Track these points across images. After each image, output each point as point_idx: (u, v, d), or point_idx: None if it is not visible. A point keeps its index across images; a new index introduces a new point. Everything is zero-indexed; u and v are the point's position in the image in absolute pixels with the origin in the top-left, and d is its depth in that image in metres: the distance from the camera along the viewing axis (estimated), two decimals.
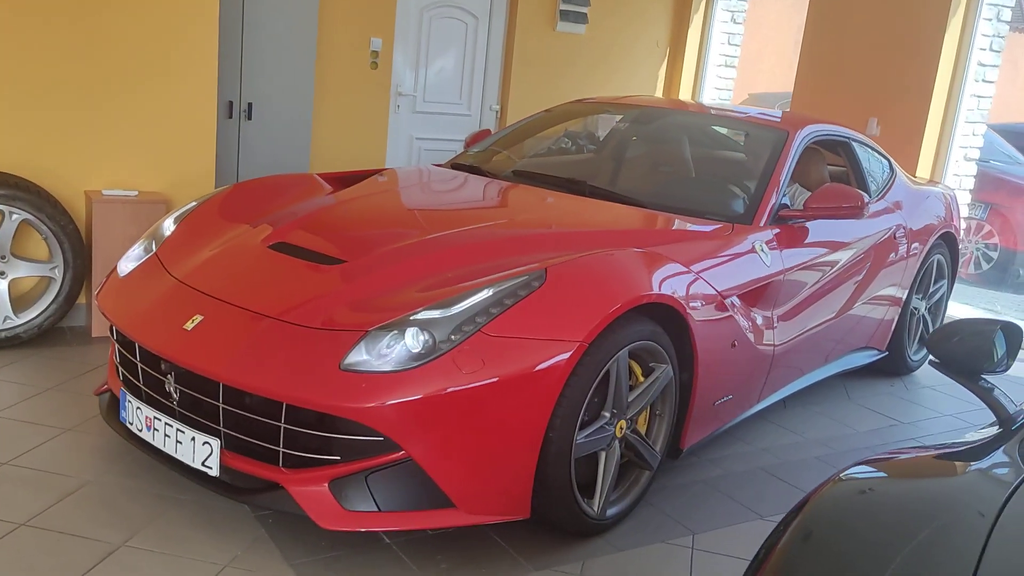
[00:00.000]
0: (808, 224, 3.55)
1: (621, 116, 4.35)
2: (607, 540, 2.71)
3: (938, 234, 4.49)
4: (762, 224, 3.37)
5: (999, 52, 5.68)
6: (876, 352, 4.31)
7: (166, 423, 2.55)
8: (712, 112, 4.58)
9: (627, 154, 4.11)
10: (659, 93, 7.36)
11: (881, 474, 1.55)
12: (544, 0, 6.44)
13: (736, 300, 3.09)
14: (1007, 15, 5.64)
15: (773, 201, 3.45)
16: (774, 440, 3.63)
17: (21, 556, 2.36)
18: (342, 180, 3.71)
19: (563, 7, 6.51)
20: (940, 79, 5.56)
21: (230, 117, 5.26)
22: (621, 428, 2.68)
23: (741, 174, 3.77)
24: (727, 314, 3.01)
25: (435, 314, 2.42)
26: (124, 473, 2.82)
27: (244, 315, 2.57)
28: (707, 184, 3.78)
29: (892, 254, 4.12)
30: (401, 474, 2.39)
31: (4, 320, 3.74)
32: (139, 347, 2.68)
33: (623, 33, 6.92)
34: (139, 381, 2.72)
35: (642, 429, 2.85)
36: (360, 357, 2.36)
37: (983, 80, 5.66)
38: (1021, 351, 1.88)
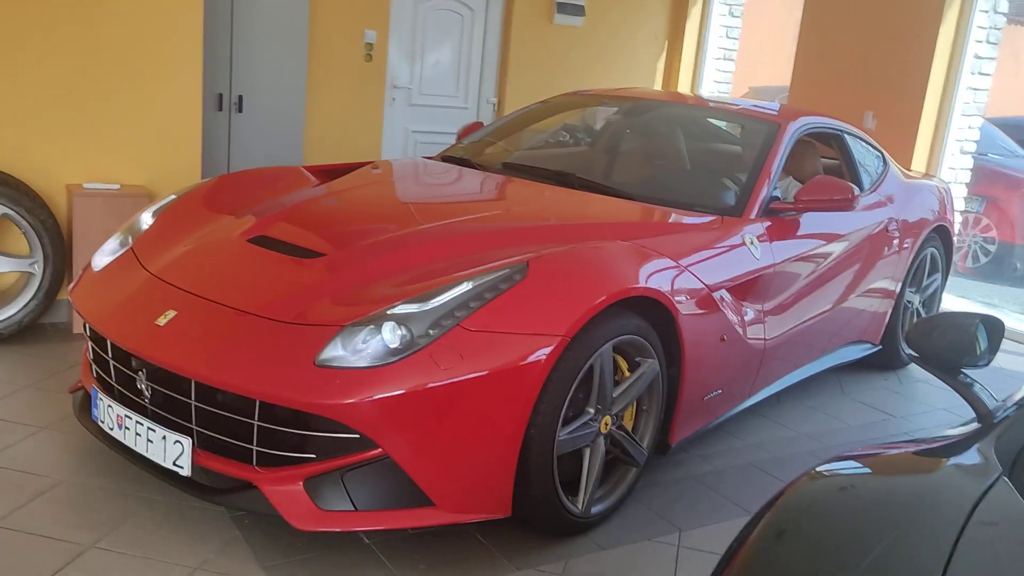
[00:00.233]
0: (800, 217, 3.49)
1: (613, 108, 4.29)
2: (591, 538, 2.65)
3: (932, 227, 4.43)
4: (752, 217, 3.31)
5: (996, 44, 5.61)
6: (869, 346, 4.25)
7: (137, 421, 2.50)
8: (705, 104, 4.52)
9: (618, 146, 4.05)
10: (658, 86, 7.29)
11: (855, 470, 1.50)
12: None
13: (725, 294, 3.03)
14: (1004, 7, 5.57)
15: (764, 194, 3.39)
16: (766, 435, 3.57)
17: None
18: (328, 173, 3.65)
19: None
20: (936, 72, 5.49)
21: (220, 110, 5.20)
22: (606, 424, 2.63)
23: (732, 166, 3.72)
24: (716, 308, 2.95)
25: (412, 308, 2.37)
26: (97, 473, 2.76)
27: (218, 310, 2.51)
28: (697, 177, 3.72)
29: (885, 247, 4.06)
30: (378, 472, 2.34)
31: None
32: (111, 343, 2.63)
33: (621, 26, 6.85)
34: (111, 378, 2.66)
35: (628, 425, 2.79)
36: (335, 352, 2.30)
37: (979, 73, 5.59)
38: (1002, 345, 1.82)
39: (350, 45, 5.58)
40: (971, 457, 1.49)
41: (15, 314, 3.73)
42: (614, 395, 2.63)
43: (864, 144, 4.31)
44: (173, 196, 3.26)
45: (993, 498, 1.32)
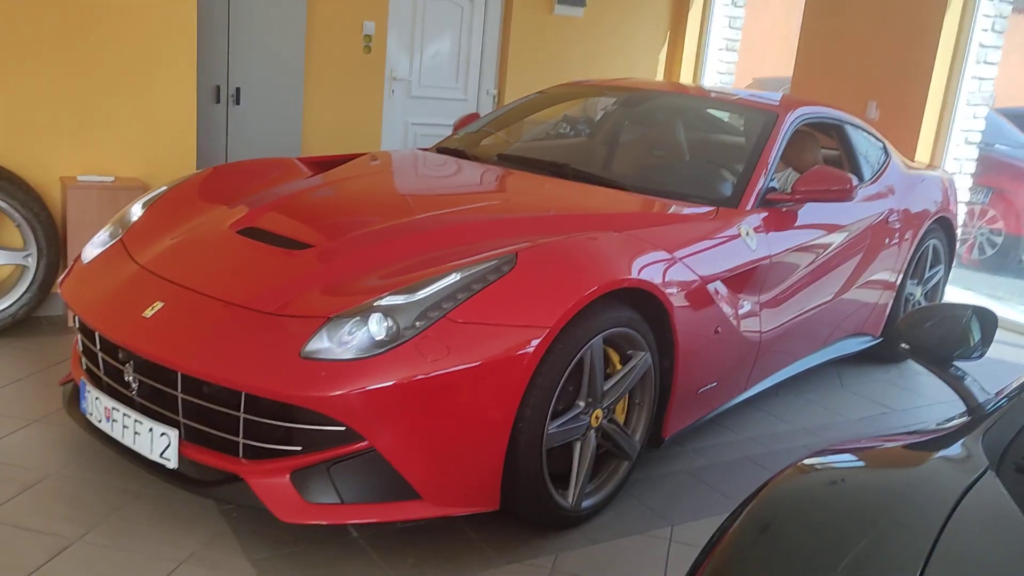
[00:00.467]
0: (797, 208, 3.45)
1: (610, 99, 4.25)
2: (582, 532, 2.63)
3: (934, 219, 4.38)
4: (749, 208, 3.27)
5: (1001, 33, 5.53)
6: (870, 338, 4.21)
7: (124, 414, 2.48)
8: (702, 94, 4.47)
9: (614, 137, 4.01)
10: (660, 77, 7.24)
11: (840, 464, 1.48)
12: None
13: (720, 285, 3.00)
14: None
15: (760, 185, 3.34)
16: (763, 428, 3.54)
17: None
18: (322, 164, 3.63)
19: None
20: (940, 61, 5.42)
21: (217, 102, 5.19)
22: (597, 418, 2.60)
23: (728, 157, 3.68)
24: (710, 300, 2.91)
25: (399, 300, 2.34)
26: (87, 466, 2.75)
27: (205, 302, 2.50)
28: (693, 167, 3.68)
29: (885, 239, 4.01)
30: (364, 465, 2.32)
31: None
32: (98, 335, 2.61)
33: (622, 16, 6.80)
34: (100, 371, 2.65)
35: (620, 418, 2.76)
36: (321, 344, 2.28)
37: (984, 62, 5.52)
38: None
39: (349, 37, 5.56)
40: (958, 451, 1.46)
41: (9, 307, 3.73)
42: (605, 388, 2.60)
43: (865, 134, 4.26)
44: (164, 188, 3.25)
45: (978, 493, 1.29)
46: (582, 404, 2.55)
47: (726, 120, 4.16)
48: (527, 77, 6.30)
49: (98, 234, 3.05)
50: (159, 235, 2.91)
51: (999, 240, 7.54)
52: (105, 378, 2.63)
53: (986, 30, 5.46)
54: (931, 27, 5.40)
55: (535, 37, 6.40)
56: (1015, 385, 1.66)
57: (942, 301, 4.80)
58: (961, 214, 5.77)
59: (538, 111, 4.28)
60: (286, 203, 3.07)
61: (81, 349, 2.78)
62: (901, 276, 4.25)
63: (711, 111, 4.22)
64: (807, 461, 1.49)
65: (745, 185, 3.33)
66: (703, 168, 3.64)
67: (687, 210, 3.19)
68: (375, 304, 2.33)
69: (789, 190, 3.39)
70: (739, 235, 3.13)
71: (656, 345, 2.74)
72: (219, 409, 2.37)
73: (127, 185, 4.00)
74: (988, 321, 1.79)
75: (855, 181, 3.34)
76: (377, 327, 2.28)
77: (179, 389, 2.40)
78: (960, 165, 5.71)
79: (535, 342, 2.33)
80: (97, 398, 2.58)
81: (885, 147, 4.38)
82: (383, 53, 5.75)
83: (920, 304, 4.55)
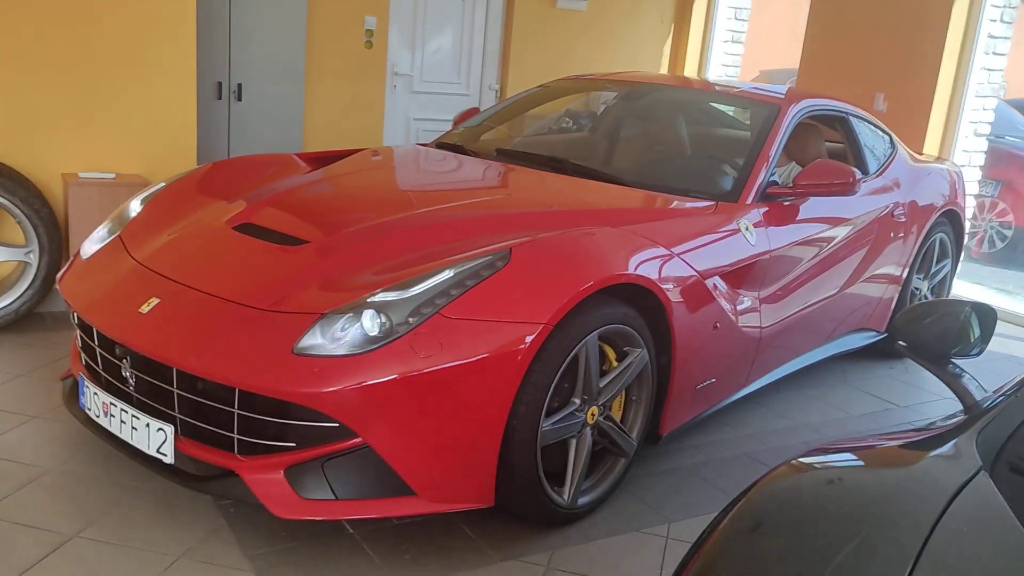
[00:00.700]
0: (799, 202, 3.42)
1: (611, 93, 4.22)
2: (578, 529, 2.62)
3: (941, 212, 4.34)
4: (749, 202, 3.24)
5: (1010, 24, 5.46)
6: (874, 334, 4.17)
7: (121, 409, 2.49)
8: (704, 88, 4.44)
9: (614, 132, 3.99)
10: (664, 70, 7.20)
11: (833, 463, 1.46)
12: None
13: (719, 281, 2.97)
14: None
15: (761, 178, 3.31)
16: (763, 425, 3.52)
17: None
18: (320, 160, 3.63)
19: None
20: (948, 52, 5.36)
21: (219, 98, 5.18)
22: (593, 415, 2.58)
23: (729, 151, 3.64)
24: (708, 295, 2.89)
25: (392, 296, 2.33)
26: (86, 462, 2.76)
27: (201, 298, 2.49)
28: (693, 161, 3.65)
29: (890, 232, 3.98)
30: (358, 461, 2.31)
31: None
32: (96, 331, 2.62)
33: (626, 9, 6.76)
34: (98, 366, 2.66)
35: (617, 415, 2.75)
36: (314, 341, 2.27)
37: (994, 53, 5.46)
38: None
39: (350, 32, 5.54)
40: (952, 451, 1.43)
41: (11, 303, 3.74)
42: (601, 385, 2.58)
43: (871, 127, 4.22)
44: (162, 184, 3.25)
45: (969, 494, 1.27)
46: (577, 401, 2.53)
47: (728, 113, 4.13)
48: (530, 71, 6.27)
49: (96, 230, 3.06)
50: (157, 231, 2.91)
51: (1009, 233, 7.47)
52: (103, 374, 2.63)
53: (995, 20, 5.40)
54: (939, 18, 5.34)
55: (537, 31, 6.37)
56: (1013, 383, 1.63)
57: (948, 296, 4.75)
58: (970, 207, 5.71)
59: (539, 105, 4.26)
60: (282, 199, 3.06)
61: (80, 345, 2.78)
62: (907, 270, 4.21)
63: (713, 105, 4.19)
64: (799, 460, 1.48)
65: (745, 179, 3.30)
66: (703, 162, 3.61)
67: (686, 205, 3.16)
68: (368, 300, 2.33)
69: (791, 184, 3.36)
70: (739, 230, 3.10)
71: (654, 341, 2.72)
72: (214, 405, 2.36)
73: (128, 182, 4.01)
74: (987, 318, 1.76)
75: (858, 174, 3.30)
76: (370, 323, 2.28)
77: (175, 385, 2.40)
78: (969, 157, 5.66)
79: (529, 338, 2.32)
80: (95, 393, 2.58)
81: (891, 139, 4.33)
82: (384, 48, 5.73)
83: (927, 299, 4.51)
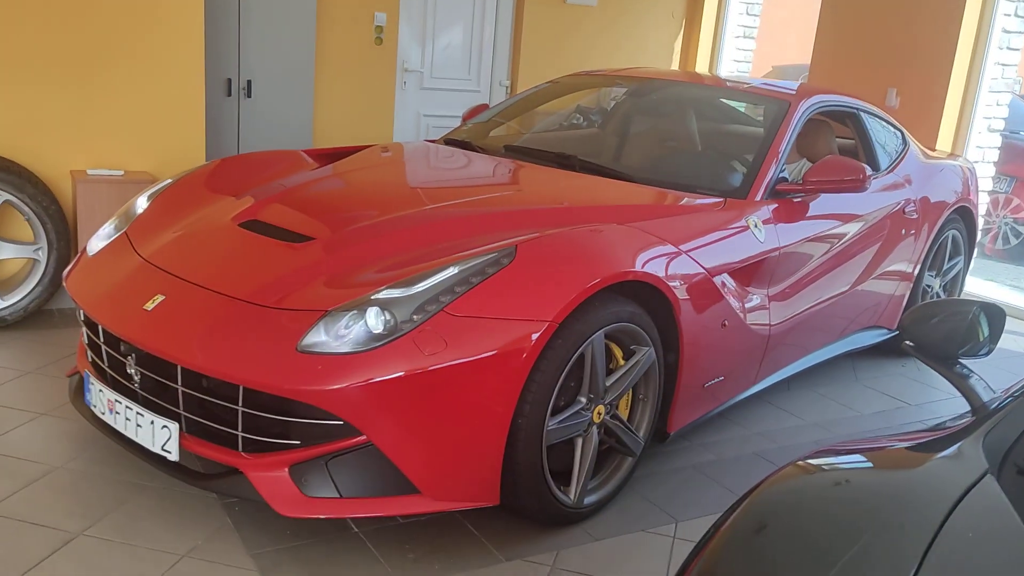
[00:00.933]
0: (809, 199, 3.38)
1: (620, 89, 4.19)
2: (584, 529, 2.60)
3: (953, 209, 4.29)
4: (758, 199, 3.21)
5: None
6: (885, 331, 4.13)
7: (126, 406, 2.49)
8: (713, 83, 4.41)
9: (623, 128, 3.96)
10: (675, 66, 7.15)
11: (838, 464, 1.44)
12: None
13: (727, 278, 2.95)
14: None
15: (770, 175, 3.28)
16: (773, 424, 3.49)
17: None
18: (329, 156, 3.62)
19: None
20: (962, 47, 5.30)
21: (229, 95, 5.19)
22: (599, 414, 2.56)
23: (738, 147, 3.61)
24: (716, 293, 2.87)
25: (396, 293, 2.32)
26: (93, 459, 2.76)
27: (206, 295, 2.49)
28: (701, 158, 3.63)
29: (902, 229, 3.93)
30: (362, 459, 2.30)
31: None
32: (102, 328, 2.62)
33: (636, 4, 6.71)
34: (104, 363, 2.66)
35: (624, 414, 2.73)
36: (318, 338, 2.27)
37: (1008, 47, 5.39)
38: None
39: (360, 28, 5.53)
40: (958, 453, 1.41)
41: (20, 300, 3.76)
42: (607, 384, 2.57)
43: (882, 123, 4.17)
44: (169, 180, 3.25)
45: (975, 497, 1.25)
46: (584, 400, 2.51)
47: (738, 109, 4.10)
48: (540, 68, 6.25)
49: (103, 227, 3.06)
50: (163, 228, 2.91)
51: (1023, 229, 7.39)
52: (109, 371, 2.64)
53: (1009, 15, 5.33)
54: (952, 12, 5.28)
55: (548, 27, 6.34)
56: (1021, 384, 1.61)
57: (961, 293, 4.70)
58: (983, 203, 5.65)
59: (548, 101, 4.23)
60: (289, 195, 3.05)
61: (86, 341, 2.79)
62: (918, 267, 4.17)
63: (723, 100, 4.15)
64: (804, 461, 1.46)
65: (755, 176, 3.27)
66: (712, 159, 3.58)
67: (694, 202, 3.13)
68: (372, 298, 2.32)
69: (801, 180, 3.32)
70: (747, 227, 3.07)
71: (661, 339, 2.70)
72: (218, 402, 2.36)
73: (136, 179, 4.02)
74: (996, 317, 1.73)
75: (868, 171, 3.27)
76: (374, 321, 2.27)
77: (179, 382, 2.40)
78: (982, 153, 5.59)
79: (535, 336, 2.30)
80: (101, 390, 2.59)
81: (903, 136, 4.29)
82: (395, 44, 5.72)
83: (939, 296, 4.46)
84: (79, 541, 2.36)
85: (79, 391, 2.80)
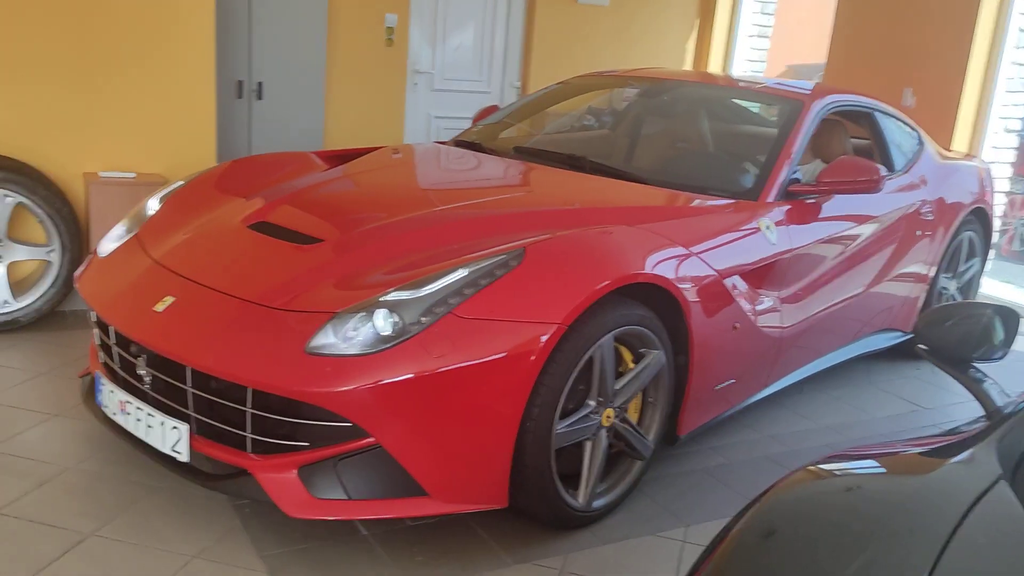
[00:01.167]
0: (823, 200, 3.35)
1: (632, 89, 4.18)
2: (593, 532, 2.59)
3: (969, 210, 4.24)
4: (770, 200, 3.18)
5: None
6: (900, 334, 4.09)
7: (137, 407, 2.50)
8: (725, 83, 4.38)
9: (634, 129, 3.94)
10: (688, 66, 7.12)
11: (848, 470, 1.42)
12: None
13: (738, 280, 2.93)
14: None
15: (783, 176, 3.26)
16: (785, 427, 3.46)
17: None
18: (339, 158, 3.62)
19: None
20: (978, 46, 5.25)
21: (240, 97, 5.21)
22: (608, 417, 2.55)
23: (750, 148, 3.59)
24: (727, 295, 2.85)
25: (405, 295, 2.32)
26: (105, 460, 2.77)
27: (215, 296, 2.49)
28: (712, 159, 3.60)
29: (917, 231, 3.90)
30: (371, 461, 2.30)
31: (3, 304, 3.73)
32: (112, 329, 2.63)
33: (649, 4, 6.69)
34: (115, 364, 2.67)
35: (634, 417, 2.71)
36: (326, 340, 2.26)
37: None
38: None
39: (370, 30, 5.54)
40: (971, 458, 1.39)
41: (33, 302, 3.78)
42: (616, 387, 2.55)
43: (898, 123, 4.14)
44: (180, 182, 3.26)
45: (988, 503, 1.23)
46: (593, 403, 2.50)
47: (751, 110, 4.07)
48: (552, 69, 6.23)
49: (114, 228, 3.08)
50: (173, 229, 2.92)
51: None
52: (120, 371, 2.65)
53: None
54: (968, 11, 5.23)
55: (560, 27, 6.33)
56: None
57: (977, 295, 4.65)
58: (1000, 204, 5.60)
59: (558, 103, 4.22)
60: (299, 197, 3.06)
61: (98, 342, 2.80)
62: (934, 269, 4.13)
63: (735, 101, 4.13)
64: (814, 465, 1.44)
65: (767, 177, 3.25)
66: (723, 160, 3.56)
67: (705, 203, 3.11)
68: (380, 300, 2.31)
69: (814, 181, 3.30)
70: (759, 228, 3.05)
71: (671, 341, 2.68)
72: (228, 404, 2.36)
73: (148, 181, 4.03)
74: (1011, 320, 1.70)
75: (883, 171, 3.23)
76: (382, 323, 2.26)
77: (189, 383, 2.41)
78: (999, 154, 5.54)
79: (543, 338, 2.29)
80: (112, 391, 2.60)
81: (919, 136, 4.25)
82: (405, 46, 5.73)
83: (955, 298, 4.41)
84: (90, 542, 2.37)
85: (90, 392, 2.81)
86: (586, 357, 2.40)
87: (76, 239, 3.84)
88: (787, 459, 3.17)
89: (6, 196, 3.68)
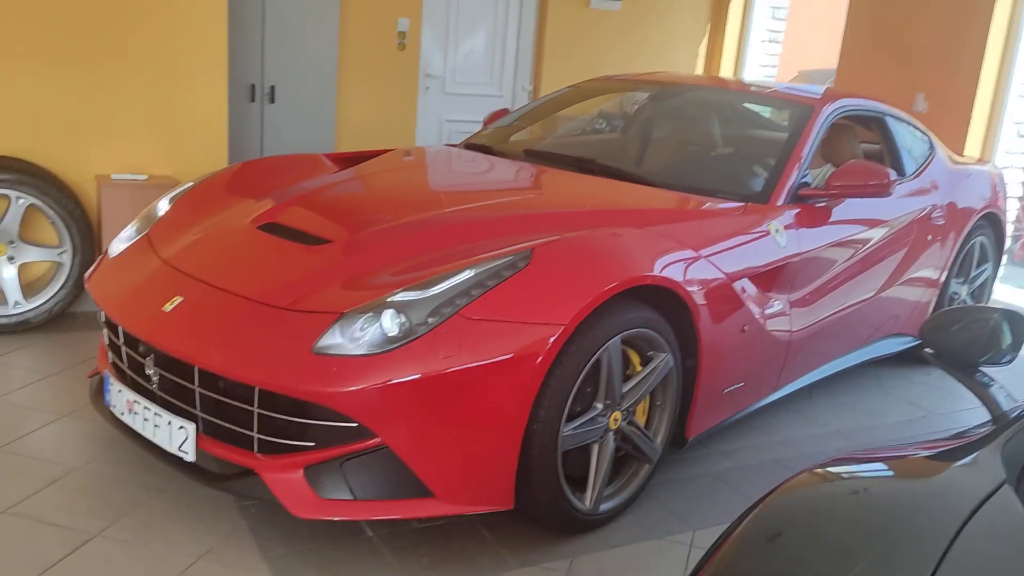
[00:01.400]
0: (833, 204, 3.34)
1: (642, 93, 4.18)
2: (600, 536, 2.58)
3: (981, 215, 4.22)
4: (779, 203, 3.17)
5: None
6: (910, 339, 4.06)
7: (144, 407, 2.51)
8: (736, 88, 4.37)
9: (644, 132, 3.94)
10: (700, 71, 7.11)
11: (853, 473, 1.41)
12: None
13: (747, 283, 2.92)
14: None
15: (792, 180, 3.24)
16: (794, 431, 3.44)
17: None
18: (348, 160, 3.64)
19: None
20: (991, 51, 5.22)
21: (252, 101, 5.23)
22: (615, 420, 2.54)
23: (760, 151, 3.58)
24: (735, 298, 2.83)
25: (412, 296, 2.32)
26: (113, 461, 2.79)
27: (223, 297, 2.51)
28: (723, 162, 3.59)
29: (927, 236, 3.87)
30: (377, 462, 2.30)
31: (14, 305, 3.76)
32: (121, 329, 2.65)
33: (661, 8, 6.69)
34: (124, 364, 2.69)
35: (641, 420, 2.70)
36: (333, 340, 2.27)
37: None
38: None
39: (383, 34, 5.56)
40: (975, 462, 1.38)
41: (45, 303, 3.81)
42: (624, 390, 2.54)
43: (909, 127, 4.11)
44: (191, 183, 3.28)
45: (992, 507, 1.22)
46: (600, 406, 2.49)
47: (761, 114, 4.06)
48: (563, 72, 6.23)
49: (125, 229, 3.10)
50: (183, 230, 2.93)
51: None
52: (128, 371, 2.66)
53: None
54: (981, 15, 5.21)
55: (571, 31, 6.33)
56: None
57: (989, 300, 4.62)
58: (1013, 210, 5.56)
59: (569, 106, 4.23)
60: (309, 198, 3.07)
61: (107, 342, 2.82)
62: (945, 275, 4.10)
63: (746, 105, 4.12)
64: (818, 468, 1.43)
65: (776, 180, 3.24)
66: (733, 163, 3.55)
67: (715, 206, 3.11)
68: (388, 300, 2.32)
69: (824, 185, 3.28)
70: (768, 232, 3.04)
71: (679, 344, 2.68)
72: (235, 404, 2.37)
73: (160, 183, 4.06)
74: (1018, 325, 1.69)
75: (893, 176, 3.22)
76: (389, 323, 2.26)
77: (196, 383, 2.42)
78: (1012, 159, 5.50)
79: (550, 340, 2.28)
80: (120, 391, 2.61)
81: (930, 141, 4.22)
82: (417, 50, 5.74)
83: (966, 303, 4.38)
84: (96, 542, 2.38)
85: (99, 392, 2.83)
86: (593, 359, 2.40)
87: (88, 241, 3.87)
88: (796, 463, 3.15)
89: (19, 198, 3.71)
